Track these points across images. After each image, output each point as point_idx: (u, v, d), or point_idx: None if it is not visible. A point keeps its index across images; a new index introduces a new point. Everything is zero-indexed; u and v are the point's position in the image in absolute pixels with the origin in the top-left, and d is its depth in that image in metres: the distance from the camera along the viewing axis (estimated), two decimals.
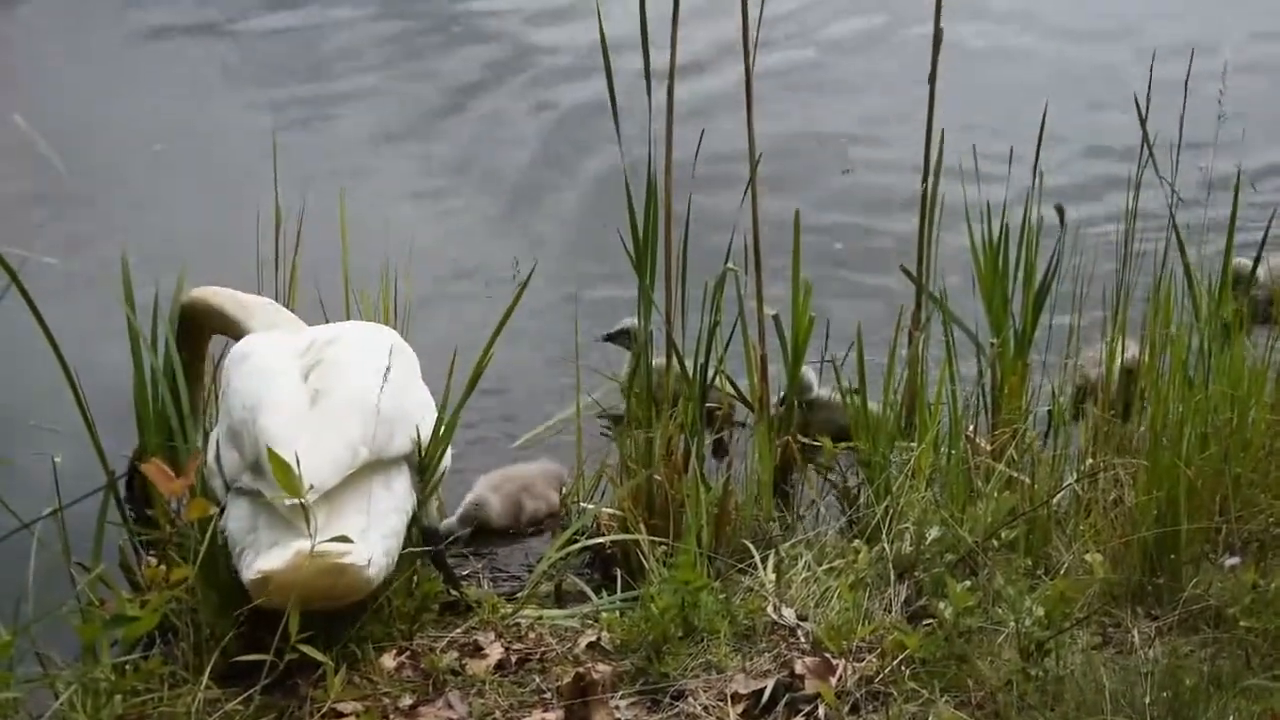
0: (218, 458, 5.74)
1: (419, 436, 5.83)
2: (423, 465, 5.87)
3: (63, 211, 9.54)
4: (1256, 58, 11.61)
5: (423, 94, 11.77)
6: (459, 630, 5.92)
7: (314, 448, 5.48)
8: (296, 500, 5.28)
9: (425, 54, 12.41)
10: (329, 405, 5.67)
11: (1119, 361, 7.18)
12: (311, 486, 5.34)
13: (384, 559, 5.49)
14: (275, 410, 5.60)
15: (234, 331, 6.45)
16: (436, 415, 5.97)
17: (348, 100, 11.60)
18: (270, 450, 5.26)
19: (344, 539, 5.25)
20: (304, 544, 5.24)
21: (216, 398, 6.22)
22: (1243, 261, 7.57)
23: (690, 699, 5.41)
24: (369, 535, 5.44)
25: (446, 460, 5.97)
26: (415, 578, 5.96)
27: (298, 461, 5.28)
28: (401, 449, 5.77)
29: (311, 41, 12.57)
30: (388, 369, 5.76)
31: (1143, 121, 6.87)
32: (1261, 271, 7.54)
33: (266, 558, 5.25)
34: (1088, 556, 5.95)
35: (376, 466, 5.65)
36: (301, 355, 5.86)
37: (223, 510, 5.66)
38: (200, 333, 6.74)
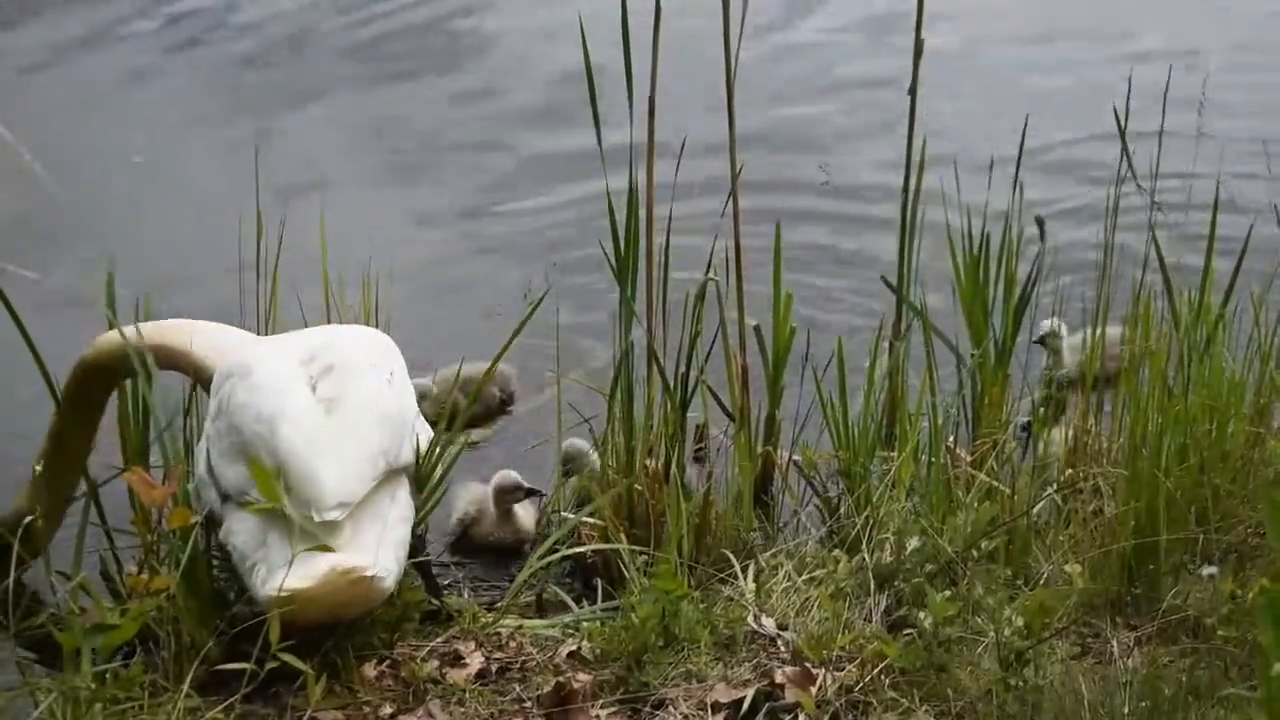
0: (210, 470, 5.71)
1: (418, 445, 5.85)
2: (422, 479, 5.90)
3: (44, 223, 9.54)
4: (1240, 67, 11.63)
5: (397, 102, 11.79)
6: (439, 639, 5.91)
7: (339, 460, 5.49)
8: (329, 517, 5.34)
9: (398, 60, 12.44)
10: (346, 415, 5.63)
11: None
12: (341, 503, 5.39)
13: (396, 568, 5.50)
14: (294, 423, 5.54)
15: (182, 365, 6.29)
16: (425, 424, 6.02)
17: (322, 108, 11.63)
18: (259, 469, 5.24)
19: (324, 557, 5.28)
20: (335, 559, 5.27)
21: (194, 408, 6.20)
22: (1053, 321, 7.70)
23: (671, 708, 5.41)
24: (383, 546, 5.46)
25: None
26: (396, 586, 5.95)
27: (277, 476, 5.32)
28: (409, 459, 5.79)
29: (285, 49, 12.60)
30: (392, 374, 5.85)
31: (1122, 132, 6.89)
32: None
33: (293, 575, 5.21)
34: (1067, 567, 5.97)
35: (386, 476, 5.65)
36: (306, 363, 5.80)
37: (209, 522, 5.67)
38: (111, 381, 6.49)
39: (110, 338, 6.32)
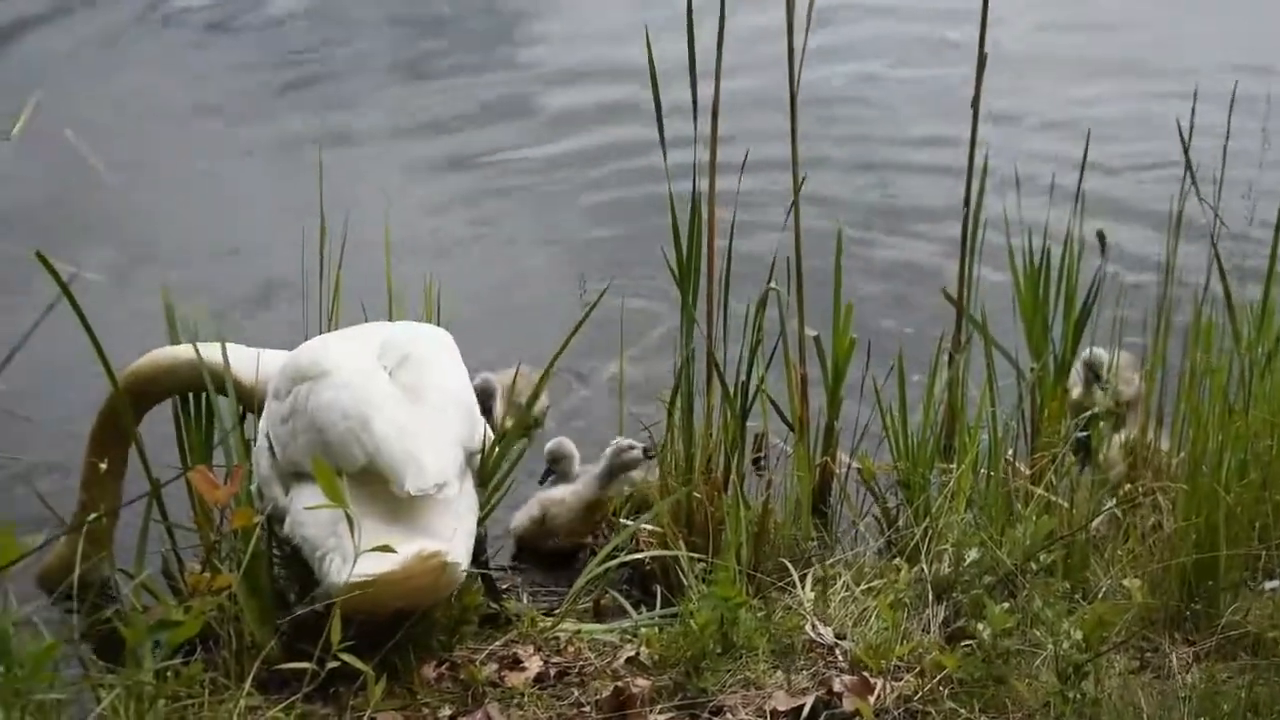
0: (274, 465, 5.82)
1: (483, 435, 5.96)
2: (486, 476, 6.02)
3: (108, 226, 9.60)
4: None
5: (455, 104, 11.83)
6: (498, 643, 5.96)
7: (433, 446, 5.62)
8: (430, 491, 5.49)
9: (454, 63, 12.48)
10: (430, 402, 5.78)
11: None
12: (439, 482, 5.52)
13: (467, 558, 5.59)
14: (385, 415, 5.65)
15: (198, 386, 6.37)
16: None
17: (377, 110, 11.70)
18: (318, 464, 5.27)
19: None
20: (419, 543, 5.35)
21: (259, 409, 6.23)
22: (1098, 351, 7.65)
23: (729, 714, 5.43)
24: (456, 534, 5.55)
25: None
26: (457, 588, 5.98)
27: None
28: (479, 445, 5.92)
29: (342, 53, 12.67)
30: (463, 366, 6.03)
31: (1185, 148, 6.87)
32: None
33: (373, 560, 5.24)
34: (1126, 581, 5.95)
35: None
36: (381, 355, 5.92)
37: (270, 521, 5.73)
38: (149, 402, 6.57)
39: (156, 357, 6.42)
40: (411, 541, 5.34)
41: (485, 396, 7.27)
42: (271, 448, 5.86)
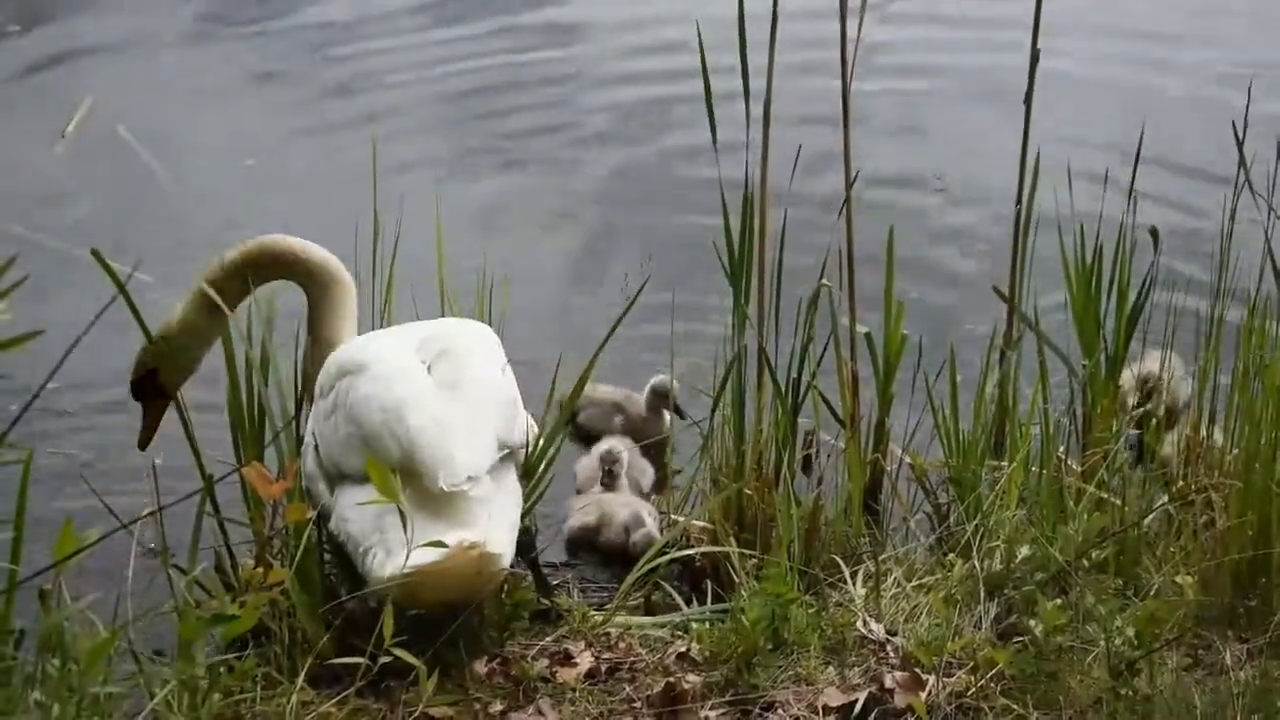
0: (320, 465, 5.85)
1: (527, 429, 5.98)
2: (529, 469, 6.01)
3: (160, 224, 9.64)
4: None
5: (501, 100, 11.87)
6: (549, 638, 5.98)
7: (468, 438, 5.65)
8: (461, 486, 5.51)
9: (500, 63, 12.51)
10: (467, 397, 5.79)
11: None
12: (471, 475, 5.55)
13: (510, 549, 5.60)
14: (420, 408, 5.69)
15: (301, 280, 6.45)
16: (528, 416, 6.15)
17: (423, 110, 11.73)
18: (370, 461, 5.29)
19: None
20: (461, 534, 5.37)
21: (309, 404, 6.26)
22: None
23: (780, 710, 5.44)
24: (498, 526, 5.56)
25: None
26: (506, 585, 5.99)
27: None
28: (520, 439, 5.93)
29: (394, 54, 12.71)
30: (504, 361, 6.02)
31: (1239, 143, 6.84)
32: None
33: (416, 552, 5.27)
34: (1178, 578, 5.93)
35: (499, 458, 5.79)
36: (419, 350, 5.95)
37: (320, 517, 5.76)
38: (255, 281, 6.49)
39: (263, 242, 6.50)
40: (452, 534, 5.36)
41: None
42: (316, 445, 5.90)
